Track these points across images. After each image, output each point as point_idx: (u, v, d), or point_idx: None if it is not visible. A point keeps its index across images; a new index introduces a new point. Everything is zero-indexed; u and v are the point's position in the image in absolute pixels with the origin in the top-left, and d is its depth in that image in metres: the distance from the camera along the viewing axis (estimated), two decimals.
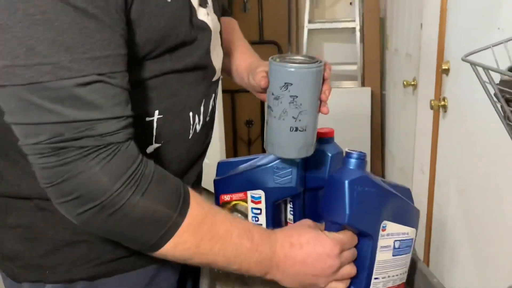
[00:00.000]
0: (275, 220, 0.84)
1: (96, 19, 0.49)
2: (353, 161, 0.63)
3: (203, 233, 0.57)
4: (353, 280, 0.66)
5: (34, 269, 0.65)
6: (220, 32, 0.76)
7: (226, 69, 0.90)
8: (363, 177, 0.63)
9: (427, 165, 1.70)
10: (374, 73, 2.85)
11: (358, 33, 2.80)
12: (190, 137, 0.69)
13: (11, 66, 0.47)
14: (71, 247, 0.64)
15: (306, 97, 0.68)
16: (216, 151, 2.64)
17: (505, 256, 1.07)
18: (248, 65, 0.83)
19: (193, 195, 0.59)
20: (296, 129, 0.69)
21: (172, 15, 0.59)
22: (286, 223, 0.89)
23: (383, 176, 2.95)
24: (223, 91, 2.75)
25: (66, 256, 0.65)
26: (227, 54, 0.88)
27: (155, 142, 0.65)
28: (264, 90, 0.74)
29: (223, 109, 2.70)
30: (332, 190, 0.64)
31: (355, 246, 0.66)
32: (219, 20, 0.74)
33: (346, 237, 0.64)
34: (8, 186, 0.64)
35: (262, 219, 0.82)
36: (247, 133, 3.28)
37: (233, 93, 3.17)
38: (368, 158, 2.82)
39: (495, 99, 0.64)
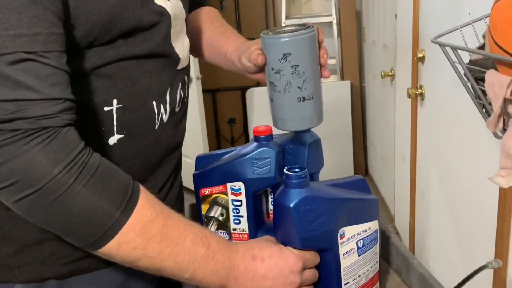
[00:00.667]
0: (256, 212, 0.83)
1: None
2: (294, 182, 0.61)
3: (151, 234, 0.54)
4: None
5: (2, 269, 0.63)
6: (186, 20, 0.74)
7: (214, 58, 0.88)
8: (307, 196, 0.60)
9: (407, 153, 1.72)
10: (352, 66, 2.87)
11: (335, 27, 2.82)
12: (156, 128, 0.67)
13: None
14: (39, 245, 0.63)
15: (307, 64, 0.67)
16: (199, 151, 2.63)
17: (485, 236, 1.08)
18: (236, 48, 0.81)
19: (145, 195, 0.56)
20: (304, 99, 0.68)
21: None
22: (268, 214, 0.89)
23: (366, 167, 2.97)
24: (204, 91, 2.74)
25: (34, 255, 0.63)
26: (213, 42, 0.86)
27: (117, 133, 0.62)
28: (260, 69, 0.73)
29: (204, 108, 2.69)
30: (279, 216, 0.62)
31: (317, 265, 0.64)
32: (185, 7, 0.72)
33: (309, 254, 0.63)
34: None
35: (243, 210, 0.82)
36: (230, 132, 3.27)
37: (214, 92, 3.16)
38: (350, 151, 2.84)
39: (465, 78, 0.65)
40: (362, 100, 2.90)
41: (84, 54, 0.57)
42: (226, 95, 3.18)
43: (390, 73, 2.01)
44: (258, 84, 3.14)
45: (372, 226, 0.66)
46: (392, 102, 2.00)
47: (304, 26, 0.68)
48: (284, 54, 0.66)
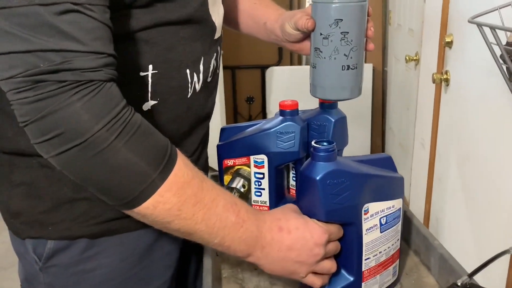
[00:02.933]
0: (278, 185, 0.84)
1: None
2: (321, 155, 0.60)
3: (186, 195, 0.55)
4: (344, 265, 0.66)
5: (36, 225, 0.65)
6: None
7: (251, 28, 0.88)
8: (334, 170, 0.60)
9: (427, 139, 1.70)
10: (376, 49, 2.80)
11: None
12: (189, 96, 0.68)
13: None
14: (72, 204, 0.64)
15: (356, 33, 0.69)
16: (216, 128, 2.63)
17: (501, 223, 1.08)
18: (278, 17, 0.82)
19: (182, 157, 0.57)
20: (348, 68, 0.69)
21: None
22: (289, 189, 0.89)
23: (383, 152, 2.95)
24: (224, 68, 2.72)
25: (67, 213, 0.64)
26: (250, 12, 0.87)
27: (151, 99, 0.63)
28: (303, 37, 0.76)
29: (223, 85, 2.69)
30: (305, 188, 0.63)
31: (339, 238, 0.65)
32: None
33: (333, 227, 0.63)
34: (8, 143, 0.63)
35: (265, 183, 0.83)
36: (247, 110, 3.27)
37: (234, 69, 3.15)
38: (368, 135, 2.83)
39: (501, 61, 0.64)
40: (384, 84, 2.87)
41: (123, 17, 0.57)
42: (245, 73, 3.16)
43: (414, 58, 1.98)
44: (278, 63, 3.12)
45: (396, 204, 0.66)
46: (415, 87, 1.97)
47: None
48: (335, 20, 0.67)
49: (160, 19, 0.60)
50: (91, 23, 0.49)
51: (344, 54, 0.69)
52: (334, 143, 0.61)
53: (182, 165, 0.56)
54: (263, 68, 3.07)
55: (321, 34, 0.69)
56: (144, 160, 0.52)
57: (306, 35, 0.77)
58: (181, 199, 0.54)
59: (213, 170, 0.92)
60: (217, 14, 0.70)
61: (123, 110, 0.51)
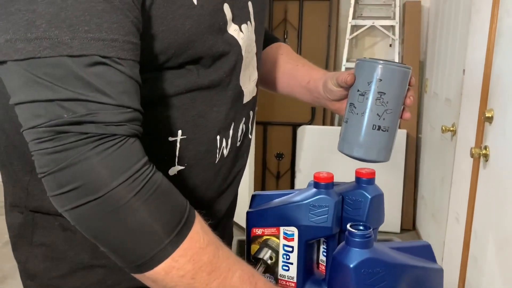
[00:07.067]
0: (307, 261, 0.80)
1: (106, 1, 0.46)
2: (357, 241, 0.58)
3: (202, 262, 0.52)
4: None
5: None
6: (257, 54, 0.73)
7: (292, 88, 0.88)
8: (370, 258, 0.58)
9: (463, 214, 1.63)
10: (411, 115, 2.80)
11: None
12: (216, 162, 0.66)
13: (11, 41, 0.45)
14: (89, 270, 0.63)
15: (393, 96, 0.69)
16: (244, 183, 2.62)
17: None
18: (323, 75, 0.82)
19: (200, 221, 0.54)
20: (379, 128, 0.69)
21: (198, 19, 0.56)
22: (318, 264, 0.85)
23: (413, 222, 2.85)
24: (256, 123, 2.74)
25: (83, 279, 0.63)
26: (293, 73, 0.87)
27: (178, 164, 0.62)
28: (343, 95, 0.76)
29: (254, 140, 2.70)
30: (337, 274, 0.60)
31: None
32: (258, 40, 0.72)
33: None
34: (33, 201, 0.63)
35: (294, 257, 0.79)
36: (276, 166, 3.26)
37: (266, 125, 3.17)
38: (399, 202, 2.75)
39: None
40: (417, 151, 2.82)
41: (157, 80, 0.57)
42: (277, 129, 3.18)
43: (451, 128, 1.94)
44: (311, 122, 3.12)
45: None
46: (450, 158, 1.92)
47: (401, 63, 0.71)
48: (374, 79, 0.68)
49: (192, 84, 0.59)
50: (118, 76, 0.48)
51: (377, 114, 0.68)
52: (371, 229, 0.58)
53: (199, 229, 0.53)
54: (294, 126, 3.08)
55: (358, 90, 0.70)
56: (159, 222, 0.50)
57: (346, 94, 0.77)
58: (196, 266, 0.51)
59: (239, 227, 0.89)
60: (247, 79, 0.70)
61: (144, 167, 0.50)
